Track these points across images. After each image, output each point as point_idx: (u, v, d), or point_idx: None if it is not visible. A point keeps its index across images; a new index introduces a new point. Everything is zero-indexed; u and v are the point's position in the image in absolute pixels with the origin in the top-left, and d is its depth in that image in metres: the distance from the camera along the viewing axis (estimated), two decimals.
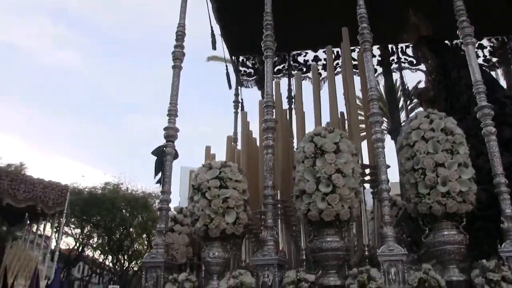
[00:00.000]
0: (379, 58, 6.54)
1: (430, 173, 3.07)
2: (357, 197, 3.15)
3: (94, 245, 33.30)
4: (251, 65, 6.57)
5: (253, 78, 6.48)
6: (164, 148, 3.55)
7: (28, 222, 15.80)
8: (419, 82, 5.67)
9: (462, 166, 3.09)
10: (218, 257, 3.25)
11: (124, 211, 32.23)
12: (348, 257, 3.26)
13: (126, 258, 34.89)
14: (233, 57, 6.50)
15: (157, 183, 3.53)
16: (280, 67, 6.86)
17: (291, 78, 6.46)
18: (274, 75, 6.46)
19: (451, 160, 3.08)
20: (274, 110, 3.64)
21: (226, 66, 5.75)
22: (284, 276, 3.00)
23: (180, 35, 3.97)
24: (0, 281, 11.65)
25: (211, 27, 5.10)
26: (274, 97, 3.75)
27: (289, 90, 6.65)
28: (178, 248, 3.57)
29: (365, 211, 3.57)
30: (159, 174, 3.54)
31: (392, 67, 6.43)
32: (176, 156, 3.59)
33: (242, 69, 6.56)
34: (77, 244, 30.38)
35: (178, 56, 3.90)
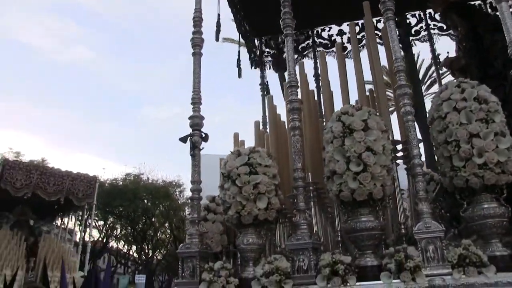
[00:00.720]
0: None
1: (464, 144, 2.94)
2: (389, 174, 3.06)
3: (118, 236, 33.86)
4: (274, 46, 6.44)
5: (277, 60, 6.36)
6: (191, 138, 3.53)
7: (59, 215, 16.08)
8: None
9: (499, 135, 2.95)
10: (252, 243, 3.23)
11: (146, 201, 32.51)
12: (385, 236, 3.20)
13: (150, 247, 35.37)
14: (256, 39, 6.38)
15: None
16: (304, 44, 6.66)
17: (317, 56, 6.31)
18: (300, 54, 6.35)
19: (487, 130, 2.94)
20: (298, 90, 3.56)
21: (239, 52, 5.58)
22: (319, 259, 2.97)
23: (198, 21, 3.89)
24: (39, 273, 11.66)
25: (218, 15, 4.93)
26: (298, 76, 3.66)
27: (316, 68, 6.53)
28: (213, 236, 3.57)
29: (399, 188, 3.47)
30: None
31: (419, 36, 6.18)
32: (205, 139, 3.56)
33: (266, 50, 6.44)
34: (101, 236, 30.97)
35: (197, 42, 3.83)
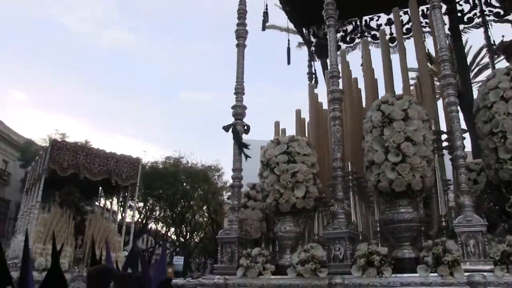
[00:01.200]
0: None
1: (511, 136, 2.81)
2: (430, 165, 2.98)
3: (157, 218, 34.58)
4: (323, 35, 6.35)
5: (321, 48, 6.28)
6: (234, 127, 3.60)
7: (103, 195, 16.41)
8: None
9: None
10: (290, 231, 3.27)
11: (185, 184, 33.01)
12: (427, 228, 3.12)
13: (188, 230, 36.05)
14: (303, 29, 6.32)
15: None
16: (353, 35, 6.43)
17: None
18: (348, 44, 6.22)
19: None
20: (340, 81, 3.53)
21: (288, 40, 5.55)
22: (355, 249, 2.95)
23: (242, 13, 3.95)
24: (87, 251, 12.09)
25: (266, 4, 4.92)
26: (339, 66, 3.63)
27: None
28: (252, 223, 3.64)
29: (442, 179, 3.35)
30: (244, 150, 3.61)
31: (472, 23, 5.86)
32: (247, 131, 3.62)
33: (314, 39, 6.36)
34: (141, 217, 31.59)
35: (241, 34, 3.89)
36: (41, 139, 32.58)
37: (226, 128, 3.59)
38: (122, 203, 16.99)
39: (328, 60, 3.58)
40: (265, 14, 4.87)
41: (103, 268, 4.89)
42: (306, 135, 4.13)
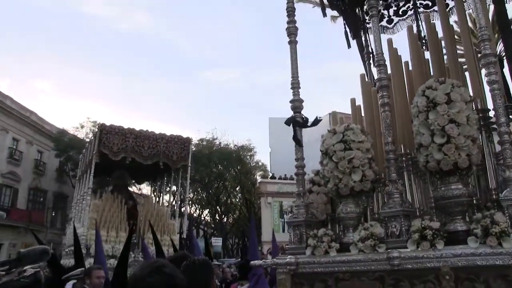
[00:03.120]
0: None
1: None
2: (475, 143, 3.14)
3: (192, 200, 34.30)
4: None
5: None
6: (294, 120, 3.94)
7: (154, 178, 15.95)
8: None
9: None
10: (351, 212, 3.60)
11: (219, 165, 32.95)
12: (476, 202, 3.31)
13: (223, 210, 36.07)
14: (357, 9, 6.35)
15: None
16: (405, 8, 6.33)
17: (419, 19, 6.08)
18: (401, 18, 6.19)
19: None
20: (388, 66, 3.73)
21: (345, 24, 5.64)
22: (411, 225, 3.23)
23: (291, 10, 4.21)
24: (138, 235, 11.86)
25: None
26: (387, 53, 3.82)
27: (418, 31, 6.33)
28: (318, 206, 3.98)
29: (492, 154, 3.48)
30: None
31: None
32: (304, 123, 3.95)
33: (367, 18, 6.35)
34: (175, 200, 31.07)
35: (292, 31, 4.17)
36: (74, 128, 34.05)
37: (288, 122, 3.94)
38: (177, 185, 16.01)
39: (373, 47, 3.76)
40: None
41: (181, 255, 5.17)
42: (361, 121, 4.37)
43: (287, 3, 4.27)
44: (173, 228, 13.17)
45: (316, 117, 3.95)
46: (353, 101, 4.51)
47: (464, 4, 5.76)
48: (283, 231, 27.65)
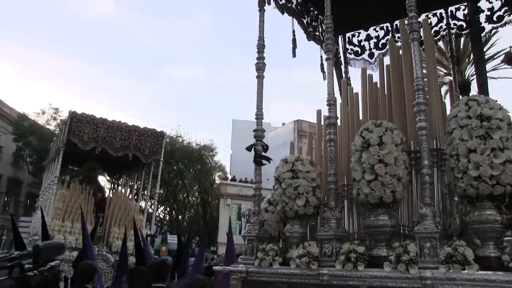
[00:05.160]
0: None
1: (463, 159, 3.29)
2: (400, 181, 3.56)
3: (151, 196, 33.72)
4: (357, 43, 6.70)
5: (361, 57, 6.63)
6: (255, 146, 4.40)
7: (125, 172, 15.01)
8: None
9: (497, 150, 3.21)
10: (295, 231, 4.05)
11: (180, 163, 32.20)
12: (399, 231, 3.73)
13: (178, 209, 35.39)
14: (339, 36, 6.70)
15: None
16: (437, 28, 6.37)
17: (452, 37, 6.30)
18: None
19: (484, 146, 3.23)
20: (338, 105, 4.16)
21: (293, 31, 5.58)
22: (341, 247, 3.67)
23: (261, 48, 4.67)
24: (104, 229, 11.35)
25: (293, 31, 5.46)
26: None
27: (451, 49, 6.66)
28: (271, 224, 4.42)
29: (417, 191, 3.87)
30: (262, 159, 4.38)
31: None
32: (265, 151, 4.41)
33: (349, 47, 6.75)
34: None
35: (260, 67, 4.63)
36: (34, 113, 32.86)
37: (249, 149, 4.40)
38: (148, 180, 15.14)
39: (327, 89, 4.17)
40: (294, 41, 5.48)
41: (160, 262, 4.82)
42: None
43: (258, 40, 4.72)
44: (141, 224, 12.50)
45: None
46: (310, 134, 4.94)
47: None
48: (240, 233, 27.57)
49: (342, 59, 6.86)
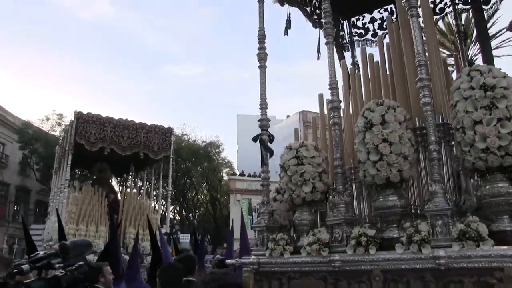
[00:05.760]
0: None
1: (469, 131, 3.15)
2: (407, 160, 3.44)
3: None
4: (362, 26, 6.57)
5: (364, 38, 6.51)
6: (261, 136, 4.32)
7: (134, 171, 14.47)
8: None
9: (504, 120, 3.06)
10: (304, 219, 3.96)
11: (187, 162, 31.77)
12: (410, 211, 3.61)
13: (188, 207, 34.94)
14: (345, 21, 6.57)
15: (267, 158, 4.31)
16: (442, 5, 6.14)
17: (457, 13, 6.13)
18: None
19: (489, 117, 3.09)
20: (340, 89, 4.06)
21: (289, 15, 5.43)
22: (351, 232, 3.57)
23: (262, 38, 4.57)
24: (120, 230, 10.80)
25: (289, 14, 5.34)
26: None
27: (457, 25, 6.54)
28: (281, 213, 4.34)
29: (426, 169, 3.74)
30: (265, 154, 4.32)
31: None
32: (271, 140, 4.33)
33: (354, 30, 6.61)
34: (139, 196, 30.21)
35: (262, 57, 4.53)
36: (39, 120, 32.41)
37: (255, 139, 4.32)
38: (158, 177, 14.33)
39: (328, 73, 4.07)
40: (288, 22, 5.38)
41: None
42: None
43: (258, 31, 4.63)
44: (156, 223, 12.19)
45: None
46: (314, 119, 4.84)
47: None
48: (251, 228, 27.20)
49: (349, 45, 6.73)
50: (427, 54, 3.86)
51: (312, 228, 3.91)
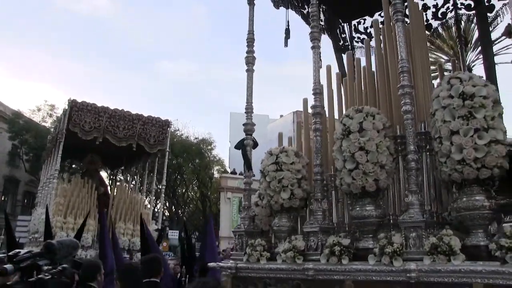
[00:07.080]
0: None
1: (446, 141, 3.00)
2: (383, 169, 3.31)
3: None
4: (363, 30, 6.42)
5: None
6: (244, 141, 4.24)
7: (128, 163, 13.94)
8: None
9: (481, 130, 2.91)
10: (282, 225, 3.85)
11: (179, 158, 31.14)
12: (387, 221, 3.47)
13: (178, 204, 34.27)
14: (346, 24, 6.44)
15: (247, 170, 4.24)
16: (444, 9, 6.01)
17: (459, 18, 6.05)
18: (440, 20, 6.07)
19: (466, 127, 2.94)
20: (320, 97, 3.95)
21: (288, 23, 5.23)
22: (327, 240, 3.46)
23: (250, 41, 4.49)
24: (110, 225, 9.91)
25: (287, 22, 5.22)
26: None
27: (458, 29, 6.34)
28: (262, 218, 4.25)
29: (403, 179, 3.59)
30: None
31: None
32: (255, 145, 4.25)
33: (355, 35, 6.47)
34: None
35: (250, 61, 4.45)
36: (30, 110, 31.59)
37: (237, 147, 4.24)
38: (153, 171, 13.68)
39: (313, 78, 3.97)
40: (287, 31, 5.25)
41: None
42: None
43: (247, 34, 4.55)
44: (147, 218, 11.70)
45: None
46: (299, 123, 4.72)
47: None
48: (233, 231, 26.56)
49: (351, 49, 6.59)
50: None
51: (291, 235, 3.82)
